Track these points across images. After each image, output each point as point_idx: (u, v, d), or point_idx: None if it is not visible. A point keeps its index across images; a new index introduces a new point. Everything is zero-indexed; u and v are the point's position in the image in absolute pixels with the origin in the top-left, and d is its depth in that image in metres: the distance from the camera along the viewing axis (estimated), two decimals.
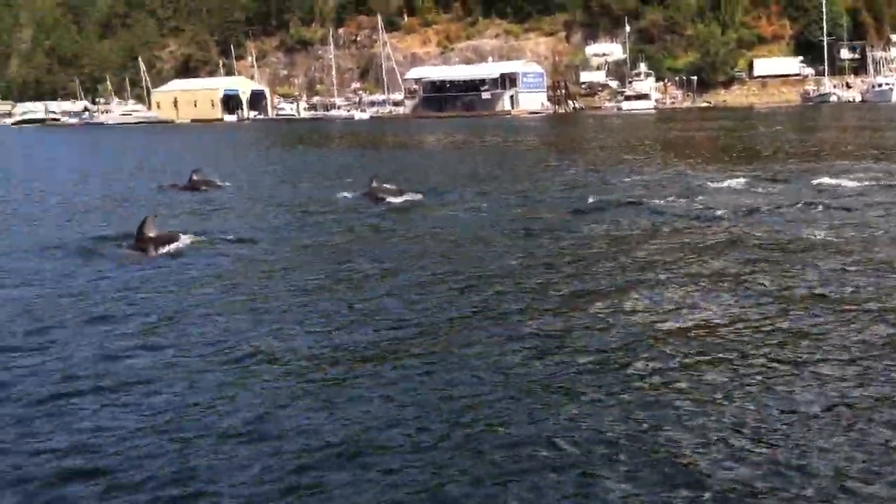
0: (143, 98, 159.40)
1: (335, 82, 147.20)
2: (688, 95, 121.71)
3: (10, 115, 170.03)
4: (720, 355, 8.32)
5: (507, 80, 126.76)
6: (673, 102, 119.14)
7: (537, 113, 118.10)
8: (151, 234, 14.41)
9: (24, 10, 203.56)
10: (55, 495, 5.81)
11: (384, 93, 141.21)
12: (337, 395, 7.49)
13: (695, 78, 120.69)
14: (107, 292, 11.67)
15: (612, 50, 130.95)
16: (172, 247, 14.43)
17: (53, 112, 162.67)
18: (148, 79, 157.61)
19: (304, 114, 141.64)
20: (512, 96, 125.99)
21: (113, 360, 8.56)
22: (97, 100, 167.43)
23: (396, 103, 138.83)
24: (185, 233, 15.65)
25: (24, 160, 48.81)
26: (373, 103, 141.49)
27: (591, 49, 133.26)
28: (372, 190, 21.77)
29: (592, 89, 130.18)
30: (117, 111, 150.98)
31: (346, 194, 22.44)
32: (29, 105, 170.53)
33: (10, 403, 7.38)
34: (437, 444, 6.45)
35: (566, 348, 8.67)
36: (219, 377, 8.04)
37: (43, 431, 6.78)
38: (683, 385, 7.57)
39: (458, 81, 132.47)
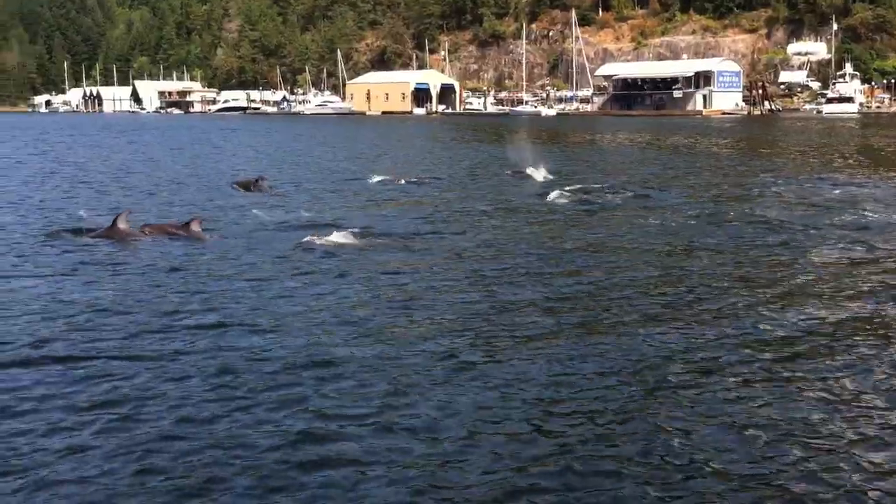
0: (337, 89, 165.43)
1: (524, 77, 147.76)
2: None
3: (214, 101, 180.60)
4: None
5: (702, 79, 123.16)
6: (878, 107, 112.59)
7: (730, 113, 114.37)
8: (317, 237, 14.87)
9: (233, 2, 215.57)
10: (288, 481, 6.07)
11: (572, 89, 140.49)
12: (540, 395, 7.63)
13: None
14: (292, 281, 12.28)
15: (816, 49, 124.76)
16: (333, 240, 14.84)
17: (254, 101, 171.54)
18: (344, 70, 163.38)
19: (491, 108, 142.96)
20: (705, 96, 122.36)
21: (319, 347, 9.01)
22: (295, 90, 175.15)
23: (584, 100, 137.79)
24: (365, 229, 16.17)
25: (233, 148, 51.80)
26: (560, 100, 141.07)
27: (793, 48, 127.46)
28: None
29: (791, 90, 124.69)
30: (314, 102, 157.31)
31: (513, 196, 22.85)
32: (232, 93, 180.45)
33: (239, 389, 7.84)
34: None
35: (752, 359, 8.44)
36: (416, 370, 8.32)
37: (271, 418, 7.14)
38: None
39: (650, 79, 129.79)
